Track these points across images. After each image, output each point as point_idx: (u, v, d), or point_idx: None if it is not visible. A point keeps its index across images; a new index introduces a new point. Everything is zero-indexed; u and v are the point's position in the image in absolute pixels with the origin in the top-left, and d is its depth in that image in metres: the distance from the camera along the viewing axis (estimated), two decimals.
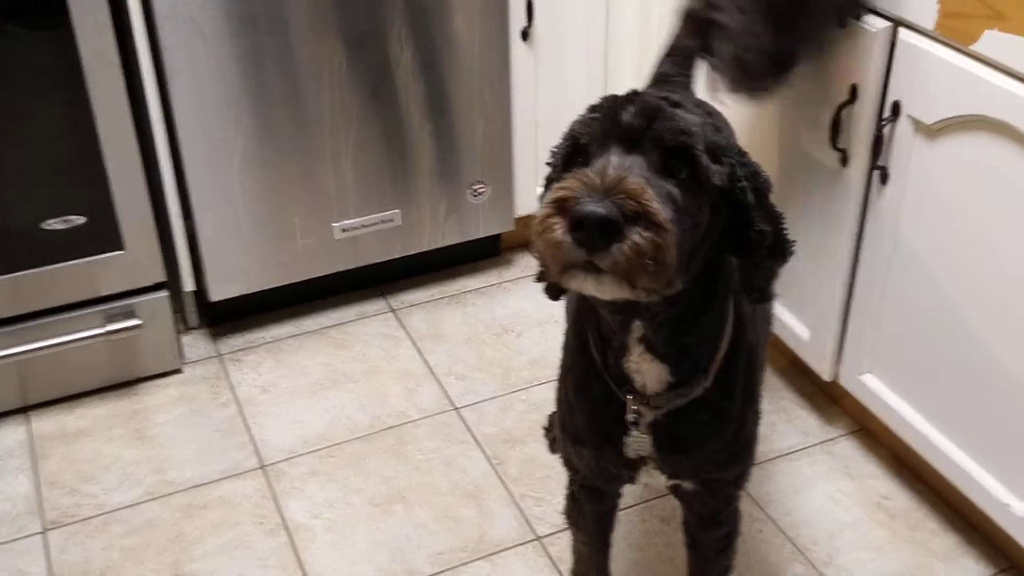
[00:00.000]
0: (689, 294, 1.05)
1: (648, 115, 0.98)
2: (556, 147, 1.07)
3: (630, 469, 1.25)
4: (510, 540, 1.74)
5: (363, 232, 2.18)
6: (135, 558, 1.72)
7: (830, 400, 2.00)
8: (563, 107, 2.20)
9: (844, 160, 1.68)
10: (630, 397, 1.16)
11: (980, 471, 1.59)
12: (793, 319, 1.92)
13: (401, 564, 1.70)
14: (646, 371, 1.13)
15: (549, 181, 1.09)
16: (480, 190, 2.25)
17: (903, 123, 1.57)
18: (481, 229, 2.31)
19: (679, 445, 1.20)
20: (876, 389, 1.77)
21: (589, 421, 1.23)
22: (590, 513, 1.41)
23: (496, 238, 2.41)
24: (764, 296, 1.10)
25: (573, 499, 1.41)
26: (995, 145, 1.44)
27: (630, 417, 1.17)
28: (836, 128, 1.65)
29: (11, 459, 1.91)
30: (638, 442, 1.19)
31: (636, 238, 0.91)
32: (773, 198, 1.10)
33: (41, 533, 1.76)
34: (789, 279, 1.87)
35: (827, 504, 1.80)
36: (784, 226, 1.09)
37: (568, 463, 1.35)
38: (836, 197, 1.72)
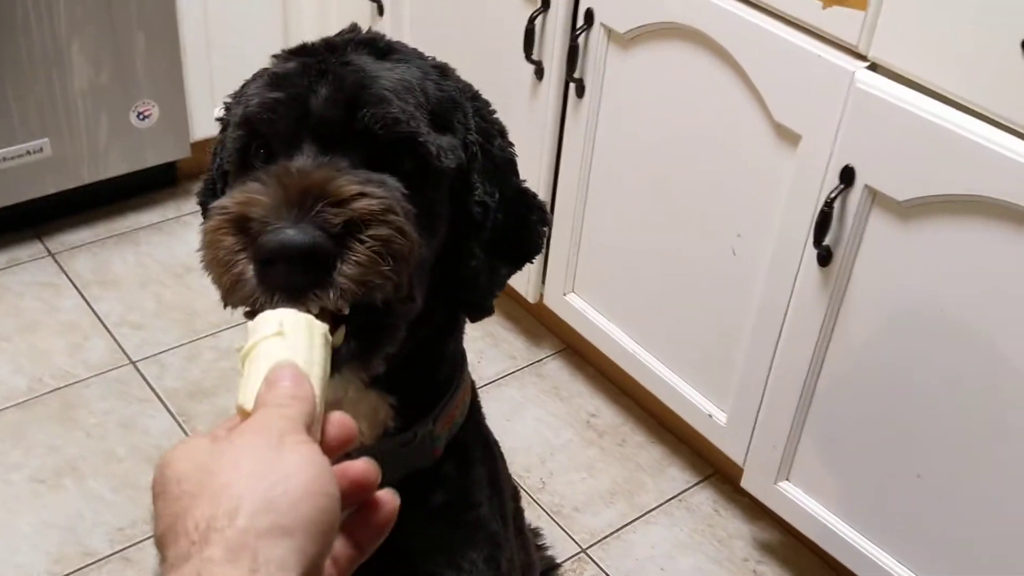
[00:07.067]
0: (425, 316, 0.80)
1: (349, 100, 0.73)
2: (226, 123, 0.80)
3: None
4: None
5: (6, 165, 1.88)
6: None
7: (536, 322, 1.97)
8: (238, 28, 2.00)
9: (539, 73, 1.61)
10: None
11: (683, 384, 1.61)
12: None
13: (75, 546, 1.49)
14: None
15: (219, 177, 0.83)
16: (146, 112, 1.99)
17: (597, 32, 1.52)
18: (151, 157, 2.06)
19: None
20: (580, 308, 1.75)
21: None
22: None
23: (171, 166, 2.17)
24: (484, 309, 0.84)
25: None
26: (687, 53, 1.41)
27: None
28: (530, 39, 1.58)
29: None
30: None
31: (359, 269, 0.67)
32: None
33: None
34: None
35: (538, 428, 1.77)
36: (534, 207, 0.87)
37: None
38: (533, 112, 1.65)
